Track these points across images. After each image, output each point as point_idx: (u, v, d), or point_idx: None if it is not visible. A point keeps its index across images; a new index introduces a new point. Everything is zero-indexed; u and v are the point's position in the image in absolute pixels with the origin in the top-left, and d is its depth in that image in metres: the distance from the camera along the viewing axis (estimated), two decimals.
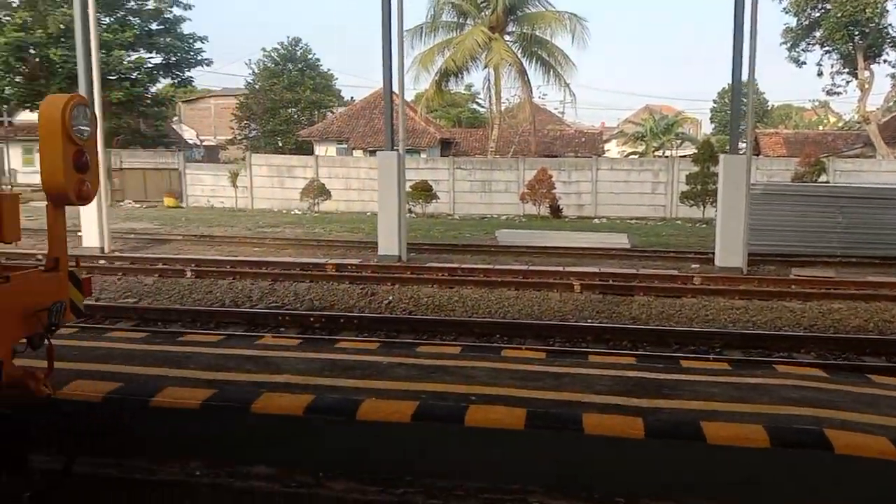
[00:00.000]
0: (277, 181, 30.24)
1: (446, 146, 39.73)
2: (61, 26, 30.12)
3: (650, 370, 5.68)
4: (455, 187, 29.87)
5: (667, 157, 39.86)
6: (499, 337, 8.39)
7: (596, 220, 27.36)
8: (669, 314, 10.17)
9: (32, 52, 32.73)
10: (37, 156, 25.92)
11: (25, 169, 39.85)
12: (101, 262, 14.02)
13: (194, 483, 4.34)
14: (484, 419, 4.48)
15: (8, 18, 32.40)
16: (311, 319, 8.77)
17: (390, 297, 10.88)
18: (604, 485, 4.32)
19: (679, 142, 49.04)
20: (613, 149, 56.67)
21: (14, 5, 32.73)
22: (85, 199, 3.99)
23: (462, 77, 35.47)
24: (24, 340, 3.75)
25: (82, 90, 16.29)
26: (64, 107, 3.73)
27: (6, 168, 30.78)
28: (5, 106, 31.12)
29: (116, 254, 15.33)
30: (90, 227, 16.00)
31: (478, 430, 4.44)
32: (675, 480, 4.27)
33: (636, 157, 44.91)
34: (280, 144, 44.57)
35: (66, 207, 4.18)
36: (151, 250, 16.32)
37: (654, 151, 47.68)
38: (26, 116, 38.96)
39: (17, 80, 33.48)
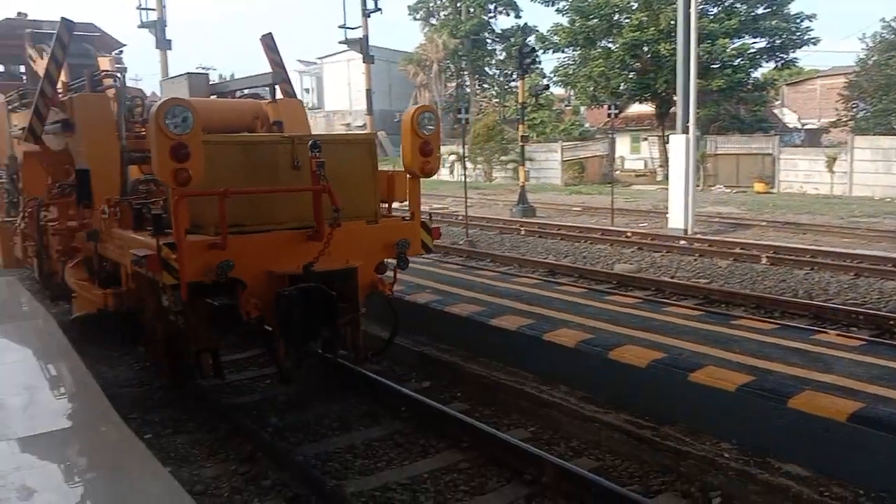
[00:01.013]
0: (882, 166, 26.69)
1: None
2: (671, 22, 32.31)
3: None
4: None
5: None
6: None
7: None
8: None
9: (645, 49, 36.00)
10: (643, 144, 28.88)
11: (632, 156, 44.35)
12: (682, 242, 14.72)
13: (721, 464, 4.33)
14: None
15: (627, 20, 36.40)
16: (892, 322, 7.60)
17: None
18: None
19: None
20: None
21: (633, 7, 36.55)
22: (427, 174, 5.50)
23: None
24: (395, 261, 5.49)
25: (679, 80, 17.29)
26: (413, 113, 5.39)
27: (615, 155, 34.78)
28: (618, 100, 35.01)
29: (698, 236, 15.88)
30: (677, 209, 16.95)
31: None
32: None
33: None
34: (894, 125, 39.14)
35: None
36: (732, 234, 16.40)
37: None
38: (635, 108, 43.34)
39: (630, 76, 37.44)
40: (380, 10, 21.64)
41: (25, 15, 10.18)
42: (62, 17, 6.67)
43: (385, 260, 5.54)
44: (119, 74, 6.97)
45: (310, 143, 4.84)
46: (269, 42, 7.48)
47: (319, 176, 4.77)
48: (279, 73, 7.45)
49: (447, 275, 8.78)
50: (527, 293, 7.67)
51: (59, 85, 6.81)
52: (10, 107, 8.07)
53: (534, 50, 25.77)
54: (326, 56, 57.10)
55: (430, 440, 4.99)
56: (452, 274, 8.86)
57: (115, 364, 6.65)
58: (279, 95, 7.50)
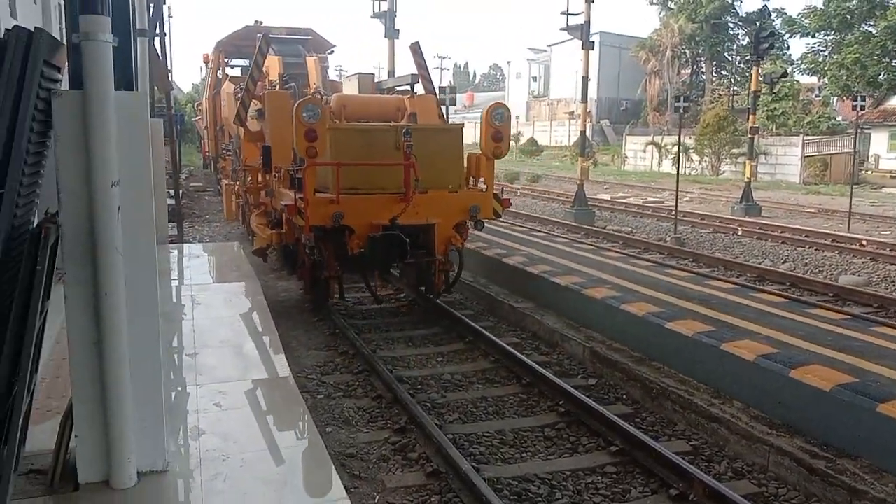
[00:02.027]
0: None
1: None
2: None
3: None
4: None
5: None
6: None
7: None
8: None
9: None
10: None
11: (889, 155, 38.94)
12: None
13: None
14: None
15: (894, 1, 32.05)
16: None
17: None
18: None
19: None
20: None
21: None
22: (497, 156, 7.34)
23: None
24: (472, 223, 7.34)
25: None
26: (488, 108, 7.22)
27: (864, 152, 30.84)
28: (875, 91, 30.94)
29: None
30: None
31: None
32: None
33: None
34: None
35: None
36: None
37: None
38: None
39: (892, 63, 32.93)
40: None
41: (261, 23, 13.57)
42: (263, 35, 9.36)
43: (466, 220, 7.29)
44: (300, 74, 9.88)
45: (403, 130, 6.64)
46: (415, 48, 9.23)
47: (409, 155, 6.53)
48: (420, 73, 9.23)
49: (634, 271, 8.48)
50: (717, 297, 7.20)
51: (267, 81, 9.50)
52: (237, 96, 10.25)
53: (773, 34, 23.64)
54: (555, 44, 56.94)
55: (580, 438, 4.93)
56: (641, 271, 8.54)
57: (310, 329, 7.32)
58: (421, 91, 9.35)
